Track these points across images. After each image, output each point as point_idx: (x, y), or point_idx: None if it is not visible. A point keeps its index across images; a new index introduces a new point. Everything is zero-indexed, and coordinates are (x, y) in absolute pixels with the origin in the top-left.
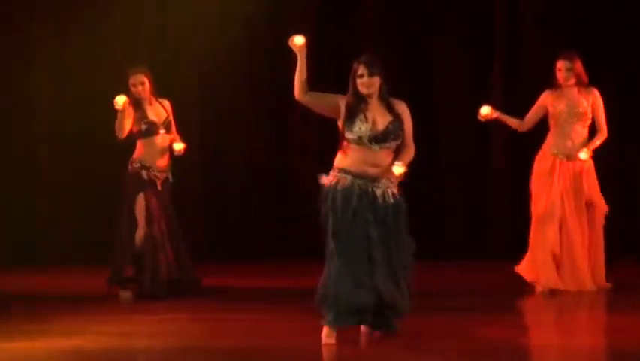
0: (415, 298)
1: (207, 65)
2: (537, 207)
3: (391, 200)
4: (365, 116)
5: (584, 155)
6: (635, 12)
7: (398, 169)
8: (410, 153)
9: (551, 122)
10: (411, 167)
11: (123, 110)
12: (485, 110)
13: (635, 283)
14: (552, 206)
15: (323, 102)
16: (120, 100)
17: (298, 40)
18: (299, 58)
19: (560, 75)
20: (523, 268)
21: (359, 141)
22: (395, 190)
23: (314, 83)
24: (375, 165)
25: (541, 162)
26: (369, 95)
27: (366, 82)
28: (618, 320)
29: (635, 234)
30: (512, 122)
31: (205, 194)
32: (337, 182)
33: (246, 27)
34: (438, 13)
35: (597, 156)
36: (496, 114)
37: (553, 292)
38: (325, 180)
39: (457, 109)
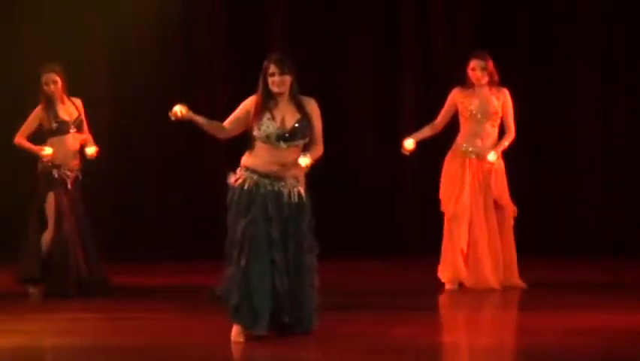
0: (328, 297)
1: (118, 64)
2: (448, 205)
3: (296, 199)
4: (273, 115)
5: (492, 157)
6: (544, 12)
7: (304, 160)
8: (318, 150)
9: (461, 121)
10: (323, 165)
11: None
12: (410, 145)
13: (546, 283)
14: (462, 205)
15: (239, 122)
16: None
17: (179, 110)
18: (192, 120)
19: (474, 74)
20: (440, 270)
21: (267, 139)
22: (302, 190)
23: (228, 79)
24: (283, 164)
25: (452, 161)
26: (280, 94)
27: (278, 80)
28: (529, 319)
29: (545, 234)
30: (426, 133)
31: (116, 193)
32: (243, 181)
33: (158, 25)
34: (347, 11)
35: (507, 155)
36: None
37: (463, 290)
38: (232, 178)
39: (367, 107)
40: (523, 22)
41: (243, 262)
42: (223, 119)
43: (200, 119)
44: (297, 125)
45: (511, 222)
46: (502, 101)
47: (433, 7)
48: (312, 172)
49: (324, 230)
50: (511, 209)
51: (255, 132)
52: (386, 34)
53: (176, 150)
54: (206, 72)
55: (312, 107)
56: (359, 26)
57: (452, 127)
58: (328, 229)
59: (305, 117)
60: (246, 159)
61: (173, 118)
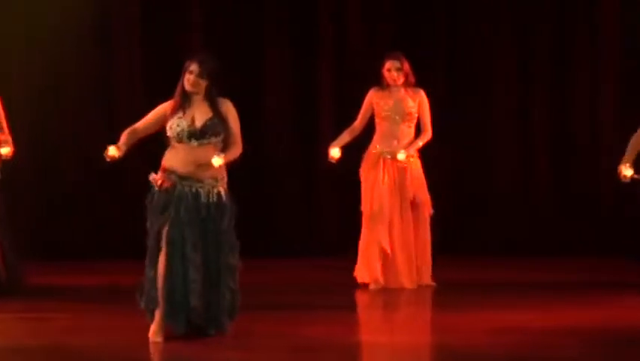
0: (247, 296)
1: (35, 62)
2: (366, 206)
3: (215, 200)
4: (185, 113)
5: (401, 156)
6: (460, 13)
7: (217, 160)
8: (236, 150)
9: (377, 121)
10: (243, 165)
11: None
12: (336, 153)
13: (459, 282)
14: (380, 204)
15: (155, 120)
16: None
17: (114, 153)
18: (126, 150)
19: (390, 75)
20: (357, 270)
21: (179, 138)
22: (222, 190)
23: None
24: (199, 164)
25: (368, 162)
26: (195, 93)
27: (193, 80)
28: (445, 318)
29: (456, 233)
30: (346, 137)
31: (37, 192)
32: (162, 183)
33: (74, 22)
34: (265, 12)
35: (425, 155)
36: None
37: (382, 290)
38: (152, 179)
39: (285, 108)
40: (439, 22)
41: (160, 263)
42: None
43: (127, 144)
44: (207, 122)
45: (428, 220)
46: (417, 102)
47: (350, 7)
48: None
49: (244, 229)
50: (428, 207)
51: (168, 132)
52: (303, 35)
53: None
54: (126, 81)
55: (228, 107)
56: (275, 27)
57: (369, 127)
58: (247, 228)
59: (217, 116)
60: (165, 160)
61: (110, 160)
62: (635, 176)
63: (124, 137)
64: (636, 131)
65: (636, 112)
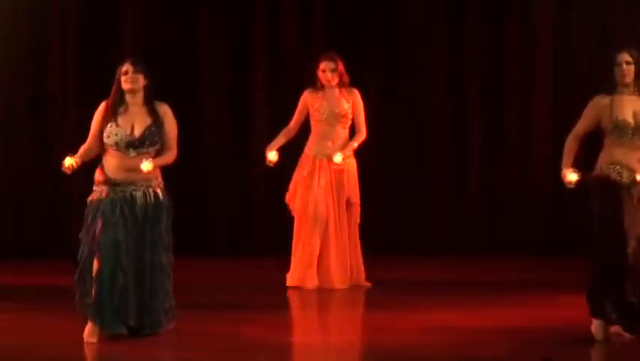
0: (182, 296)
1: None
2: (299, 208)
3: (152, 200)
4: (123, 121)
5: (337, 158)
6: (393, 14)
7: (146, 165)
8: (169, 156)
9: (312, 123)
10: (178, 166)
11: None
12: (273, 157)
13: (392, 281)
14: (314, 207)
15: (94, 140)
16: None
17: (71, 164)
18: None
19: (324, 76)
20: (290, 273)
21: (116, 146)
22: (158, 190)
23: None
24: (133, 169)
25: (304, 164)
26: (133, 93)
27: (131, 77)
28: (378, 318)
29: (390, 233)
30: (281, 140)
31: None
32: (93, 197)
33: (8, 22)
34: (199, 14)
35: (360, 155)
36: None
37: (316, 290)
38: (66, 167)
39: (220, 109)
40: (373, 23)
41: (94, 265)
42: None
43: (82, 158)
44: (146, 132)
45: (358, 219)
46: (352, 103)
47: (284, 7)
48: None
49: (180, 229)
50: (358, 209)
51: (105, 139)
52: (237, 35)
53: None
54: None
55: (165, 112)
56: (210, 29)
57: (306, 128)
58: (184, 227)
59: (156, 123)
60: (97, 174)
61: (69, 172)
62: (579, 178)
63: (80, 151)
64: (570, 133)
65: (570, 114)
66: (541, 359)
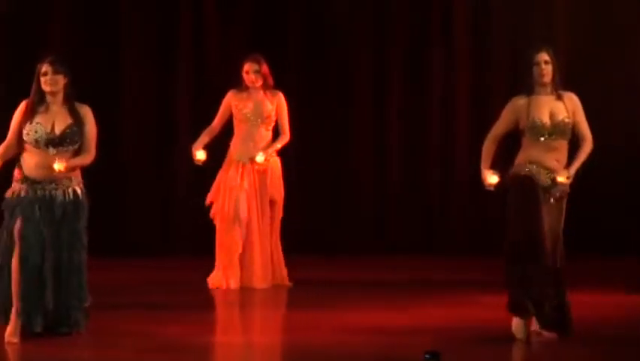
0: (104, 295)
1: None
2: (221, 209)
3: (72, 198)
4: (43, 119)
5: (260, 158)
6: (316, 16)
7: (58, 165)
8: (86, 158)
9: (236, 124)
10: (100, 165)
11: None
12: (201, 156)
13: (314, 281)
14: (236, 208)
15: (14, 138)
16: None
17: None
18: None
19: (248, 77)
20: (212, 275)
21: (36, 144)
22: (77, 188)
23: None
24: (52, 167)
25: (227, 166)
26: (53, 95)
27: (50, 79)
28: (300, 318)
29: (312, 232)
30: (205, 139)
31: None
32: (12, 193)
33: None
34: (122, 15)
35: (284, 156)
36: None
37: (238, 290)
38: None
39: (143, 109)
40: (297, 25)
41: (13, 264)
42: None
43: (2, 159)
44: (67, 130)
45: (280, 216)
46: (276, 105)
47: (207, 8)
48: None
49: (102, 228)
50: (281, 208)
51: (25, 136)
52: (161, 36)
53: None
54: None
55: (86, 112)
56: (133, 29)
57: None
58: (105, 227)
59: (77, 123)
60: (16, 173)
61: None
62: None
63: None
64: (487, 135)
65: (488, 116)
66: (424, 353)
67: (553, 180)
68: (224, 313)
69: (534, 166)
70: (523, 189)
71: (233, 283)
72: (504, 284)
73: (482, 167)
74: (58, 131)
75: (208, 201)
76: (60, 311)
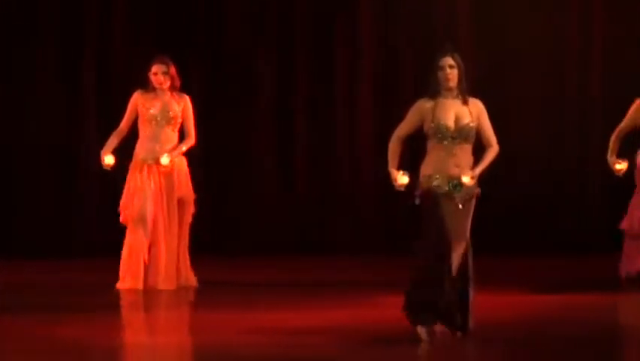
0: (5, 297)
1: None
2: (128, 210)
3: None
4: None
5: (164, 160)
6: (221, 17)
7: None
8: None
9: (141, 124)
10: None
11: None
12: (110, 160)
13: (221, 282)
14: (141, 210)
15: None
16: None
17: None
18: None
19: (156, 79)
20: (120, 275)
21: None
22: None
23: None
24: None
25: (134, 168)
26: None
27: None
28: (207, 318)
29: (219, 233)
30: (114, 142)
31: None
32: None
33: None
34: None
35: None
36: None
37: (144, 291)
38: None
39: (50, 109)
40: (202, 26)
41: None
42: None
43: None
44: None
45: (190, 219)
46: (182, 107)
47: (115, 9)
48: None
49: (5, 229)
50: (191, 207)
51: None
52: (68, 35)
53: None
54: None
55: None
56: (42, 27)
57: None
58: (9, 228)
59: None
60: None
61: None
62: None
63: None
64: (391, 136)
65: (392, 119)
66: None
67: (456, 185)
68: (129, 314)
69: (436, 175)
70: (428, 200)
71: (138, 284)
72: (405, 297)
73: (390, 168)
74: None
75: (121, 207)
76: None
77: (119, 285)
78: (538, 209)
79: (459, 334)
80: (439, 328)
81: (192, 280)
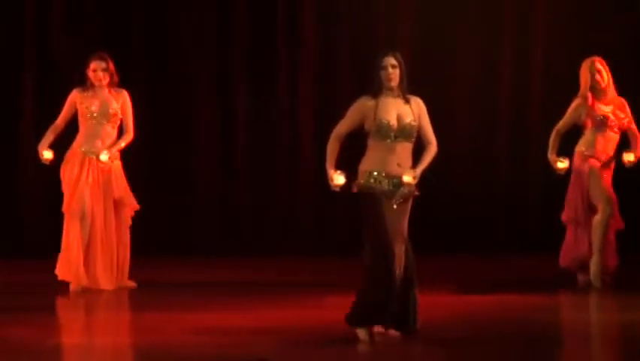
0: None
1: None
2: (67, 204)
3: None
4: None
5: (104, 157)
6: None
7: None
8: None
9: (81, 122)
10: None
11: None
12: (49, 155)
13: (161, 283)
14: (81, 204)
15: None
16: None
17: None
18: None
19: (95, 75)
20: (59, 268)
21: None
22: None
23: None
24: None
25: (71, 162)
26: None
27: None
28: (145, 319)
29: (160, 234)
30: (50, 137)
31: None
32: None
33: None
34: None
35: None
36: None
37: (84, 291)
38: None
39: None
40: (141, 22)
41: None
42: None
43: None
44: None
45: (129, 222)
46: (121, 103)
47: (54, 7)
48: None
49: None
50: (131, 207)
51: None
52: (5, 33)
53: None
54: None
55: None
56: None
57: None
58: None
59: None
60: None
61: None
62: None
63: None
64: (331, 134)
65: (333, 118)
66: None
67: (396, 184)
68: (70, 315)
69: (375, 173)
70: (368, 199)
71: (79, 281)
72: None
73: (327, 167)
74: None
75: (64, 199)
76: None
77: (62, 275)
78: (475, 208)
79: (401, 333)
80: (378, 329)
81: (128, 281)
